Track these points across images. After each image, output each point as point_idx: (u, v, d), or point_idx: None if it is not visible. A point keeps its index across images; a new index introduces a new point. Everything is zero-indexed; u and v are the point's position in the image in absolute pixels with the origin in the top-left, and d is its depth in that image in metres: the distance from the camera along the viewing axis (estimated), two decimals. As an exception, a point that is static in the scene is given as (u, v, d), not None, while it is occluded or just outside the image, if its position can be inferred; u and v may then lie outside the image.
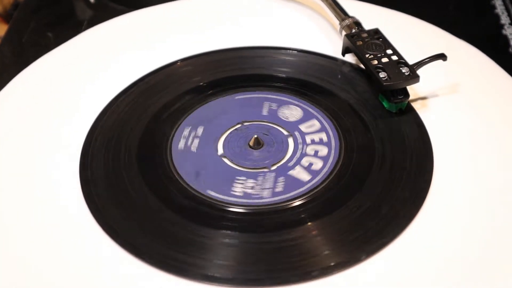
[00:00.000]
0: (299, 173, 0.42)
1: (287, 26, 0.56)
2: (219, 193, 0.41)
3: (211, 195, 0.40)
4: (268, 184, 0.41)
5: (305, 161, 0.43)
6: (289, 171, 0.42)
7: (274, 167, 0.43)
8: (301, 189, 0.41)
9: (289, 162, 0.43)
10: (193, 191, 0.41)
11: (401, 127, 0.45)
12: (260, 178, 0.42)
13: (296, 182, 0.41)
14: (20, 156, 0.44)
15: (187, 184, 0.41)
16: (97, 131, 0.45)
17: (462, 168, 0.42)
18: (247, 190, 0.41)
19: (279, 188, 0.41)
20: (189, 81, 0.49)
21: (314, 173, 0.42)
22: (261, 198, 0.40)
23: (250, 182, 0.41)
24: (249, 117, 0.46)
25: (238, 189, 0.41)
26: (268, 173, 0.42)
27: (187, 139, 0.44)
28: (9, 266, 0.37)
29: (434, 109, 0.47)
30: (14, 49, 0.57)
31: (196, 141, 0.44)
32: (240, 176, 0.42)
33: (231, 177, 0.42)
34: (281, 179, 0.42)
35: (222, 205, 0.40)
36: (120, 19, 0.57)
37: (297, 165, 0.43)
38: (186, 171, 0.42)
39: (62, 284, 0.36)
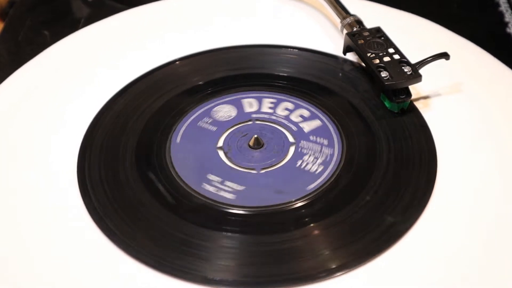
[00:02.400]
0: (309, 124, 0.44)
1: (288, 24, 0.56)
2: (313, 181, 0.41)
3: (313, 187, 0.40)
4: (316, 147, 0.43)
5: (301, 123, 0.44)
6: (304, 130, 0.44)
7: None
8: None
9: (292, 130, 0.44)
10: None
11: (404, 127, 0.45)
12: (305, 150, 0.43)
13: (320, 129, 0.44)
14: (16, 156, 0.43)
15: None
16: (95, 131, 0.45)
17: (466, 169, 0.42)
18: (318, 161, 0.42)
19: (325, 142, 0.43)
20: (187, 80, 0.49)
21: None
22: (332, 155, 0.42)
23: (307, 157, 0.42)
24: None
25: (313, 167, 0.42)
26: (299, 143, 0.44)
27: (221, 189, 0.41)
28: (7, 266, 0.37)
29: (437, 108, 0.46)
30: (10, 48, 0.57)
31: (229, 183, 0.42)
32: (297, 163, 0.42)
33: (294, 169, 0.42)
34: (312, 137, 0.44)
35: (222, 206, 0.40)
36: (117, 17, 0.57)
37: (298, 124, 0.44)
38: (265, 199, 0.40)
39: (60, 285, 0.36)
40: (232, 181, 0.41)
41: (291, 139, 0.44)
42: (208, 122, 0.45)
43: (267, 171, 0.42)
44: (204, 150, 0.44)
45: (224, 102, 0.47)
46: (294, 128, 0.45)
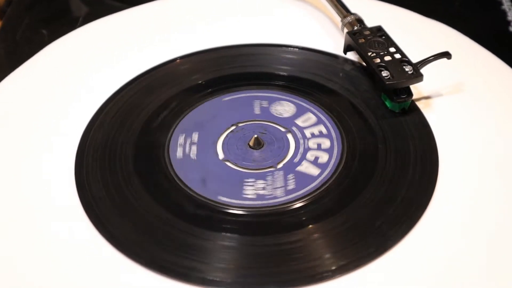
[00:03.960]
0: (307, 168, 0.42)
1: (288, 23, 0.56)
2: (231, 198, 0.40)
3: (224, 201, 0.40)
4: (279, 183, 0.41)
5: (310, 156, 0.43)
6: (296, 167, 0.42)
7: (280, 165, 0.42)
8: (313, 184, 0.40)
9: (294, 158, 0.43)
10: (201, 198, 0.40)
11: (405, 127, 0.45)
12: (269, 178, 0.41)
13: (306, 178, 0.41)
14: (13, 156, 0.43)
15: (190, 189, 0.41)
16: (93, 130, 0.45)
17: (468, 169, 0.42)
18: (259, 192, 0.40)
19: (291, 186, 0.41)
20: (186, 79, 0.49)
21: (323, 167, 0.42)
22: (275, 197, 0.40)
23: (260, 183, 0.41)
24: (242, 118, 0.46)
25: (249, 191, 0.40)
26: (275, 171, 0.42)
27: (184, 147, 0.43)
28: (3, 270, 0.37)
29: (438, 108, 0.46)
30: (8, 47, 0.56)
31: (194, 147, 0.43)
32: (248, 178, 0.41)
33: (239, 180, 0.41)
34: (290, 176, 0.41)
35: (223, 207, 0.39)
36: (116, 16, 0.56)
37: (303, 160, 0.42)
38: (189, 179, 0.41)
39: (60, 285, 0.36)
40: (197, 149, 0.42)
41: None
42: (262, 105, 0.46)
43: (225, 164, 0.42)
44: (223, 117, 0.44)
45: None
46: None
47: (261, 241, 0.38)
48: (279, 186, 0.41)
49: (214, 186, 0.41)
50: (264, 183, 0.41)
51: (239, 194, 0.40)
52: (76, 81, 0.49)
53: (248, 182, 0.41)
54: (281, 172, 0.42)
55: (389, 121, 0.45)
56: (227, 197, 0.40)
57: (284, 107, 0.46)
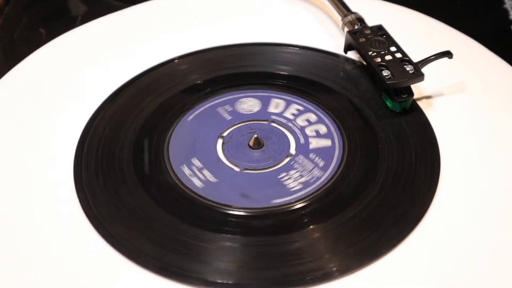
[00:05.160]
0: (318, 142, 0.43)
1: (288, 22, 0.56)
2: (283, 197, 0.40)
3: (279, 202, 0.40)
4: (309, 165, 0.42)
5: (309, 132, 0.44)
6: (309, 146, 0.43)
7: (294, 151, 0.43)
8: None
9: (299, 141, 0.43)
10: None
11: (406, 127, 0.45)
12: (296, 166, 0.42)
13: (324, 151, 0.43)
14: (11, 155, 0.43)
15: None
16: (91, 131, 0.45)
17: (470, 169, 0.42)
18: (300, 180, 0.41)
19: (321, 163, 0.42)
20: (185, 79, 0.49)
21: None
22: (318, 178, 0.41)
23: (294, 173, 0.41)
24: (220, 128, 0.45)
25: (292, 183, 0.41)
26: (295, 157, 0.42)
27: (196, 175, 0.41)
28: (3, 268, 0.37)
29: (439, 108, 0.46)
30: (5, 46, 0.56)
31: (206, 171, 0.42)
32: (279, 175, 0.42)
33: (275, 179, 0.41)
34: (312, 155, 0.42)
35: (222, 208, 0.39)
36: (115, 15, 0.56)
37: (308, 138, 0.43)
38: (232, 199, 0.40)
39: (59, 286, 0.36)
40: (210, 171, 0.41)
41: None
42: (228, 110, 0.46)
43: (248, 173, 0.42)
44: (205, 135, 0.44)
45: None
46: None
47: (262, 242, 0.38)
48: (311, 168, 0.41)
49: (259, 195, 0.40)
50: (297, 172, 0.41)
51: (286, 191, 0.40)
52: (75, 80, 0.49)
53: (283, 177, 0.41)
54: (301, 156, 0.42)
55: (390, 121, 0.45)
56: (279, 198, 0.40)
57: (249, 103, 0.46)
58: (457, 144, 0.43)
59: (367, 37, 0.48)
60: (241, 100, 0.47)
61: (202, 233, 0.38)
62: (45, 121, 0.46)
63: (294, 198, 0.40)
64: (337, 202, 0.40)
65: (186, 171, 0.41)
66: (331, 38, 0.53)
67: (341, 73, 0.50)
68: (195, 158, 0.42)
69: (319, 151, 0.43)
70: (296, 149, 0.43)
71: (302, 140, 0.44)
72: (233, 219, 0.39)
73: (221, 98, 0.47)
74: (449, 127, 0.44)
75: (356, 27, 0.50)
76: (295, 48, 0.52)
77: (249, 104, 0.46)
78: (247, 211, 0.39)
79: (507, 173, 0.41)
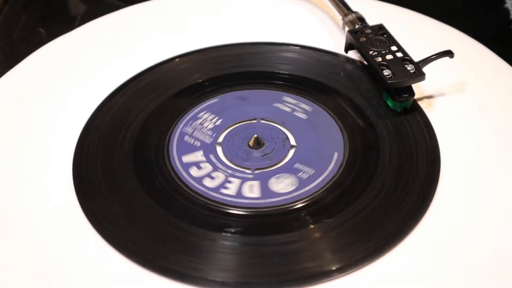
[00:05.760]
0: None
1: (288, 21, 0.55)
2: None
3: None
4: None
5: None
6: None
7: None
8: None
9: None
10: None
11: (407, 127, 0.44)
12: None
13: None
14: (10, 156, 0.43)
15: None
16: (91, 130, 0.45)
17: (471, 169, 0.42)
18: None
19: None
20: (187, 79, 0.49)
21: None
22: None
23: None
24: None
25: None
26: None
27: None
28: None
29: (440, 108, 0.46)
30: (4, 46, 0.56)
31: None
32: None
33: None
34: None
35: (222, 208, 0.39)
36: (114, 15, 0.56)
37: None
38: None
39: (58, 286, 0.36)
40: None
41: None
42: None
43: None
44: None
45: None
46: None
47: (262, 242, 0.38)
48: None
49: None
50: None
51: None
52: (74, 80, 0.49)
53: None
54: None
55: (391, 121, 0.45)
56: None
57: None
58: (458, 144, 0.43)
59: (367, 37, 0.48)
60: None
61: (203, 232, 0.38)
62: (44, 121, 0.46)
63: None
64: (337, 202, 0.39)
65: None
66: (331, 38, 0.53)
67: (342, 73, 0.49)
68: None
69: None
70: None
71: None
72: (233, 218, 0.39)
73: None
74: (449, 127, 0.44)
75: (357, 26, 0.50)
76: (295, 47, 0.52)
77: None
78: (247, 211, 0.39)
79: (507, 173, 0.41)
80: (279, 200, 0.40)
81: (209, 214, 0.39)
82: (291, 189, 0.40)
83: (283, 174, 0.41)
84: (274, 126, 0.45)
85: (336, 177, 0.41)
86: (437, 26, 0.54)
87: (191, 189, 0.40)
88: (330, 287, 0.35)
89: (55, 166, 0.42)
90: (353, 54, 0.50)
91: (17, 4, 0.61)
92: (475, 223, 0.38)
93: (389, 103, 0.46)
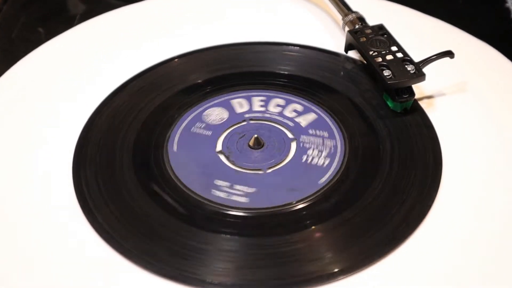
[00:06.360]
0: (305, 118, 0.44)
1: (288, 21, 0.55)
2: (324, 175, 0.41)
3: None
4: (317, 140, 0.43)
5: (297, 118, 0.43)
6: (301, 125, 0.43)
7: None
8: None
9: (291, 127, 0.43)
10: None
11: (408, 127, 0.44)
12: (307, 145, 0.43)
13: (317, 122, 0.44)
14: (10, 155, 0.43)
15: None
16: (91, 130, 0.44)
17: (472, 169, 0.42)
18: (324, 154, 0.42)
19: (325, 134, 0.43)
20: (186, 78, 0.49)
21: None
22: (336, 149, 0.42)
23: (311, 152, 0.42)
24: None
25: (320, 160, 0.42)
26: (299, 139, 0.43)
27: (232, 193, 0.41)
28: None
29: (441, 108, 0.46)
30: (3, 45, 0.56)
31: (239, 186, 0.41)
32: (302, 159, 0.42)
33: (301, 164, 0.42)
34: (311, 131, 0.44)
35: (222, 209, 0.39)
36: (113, 14, 0.56)
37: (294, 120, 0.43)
38: (280, 199, 0.40)
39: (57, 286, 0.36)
40: (241, 184, 0.41)
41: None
42: (201, 127, 0.45)
43: (274, 170, 0.42)
44: (204, 155, 0.43)
45: (219, 103, 0.47)
46: (290, 124, 0.45)
47: (262, 243, 0.37)
48: (320, 141, 0.42)
49: (303, 182, 0.41)
50: (313, 150, 0.42)
51: (321, 169, 0.41)
52: (73, 80, 0.49)
53: (306, 159, 0.42)
54: (303, 136, 0.43)
55: (391, 121, 0.45)
56: (323, 177, 0.40)
57: (216, 113, 0.45)
58: (459, 144, 0.43)
59: (368, 37, 0.48)
60: (205, 112, 0.46)
61: (201, 233, 0.38)
62: (43, 121, 0.45)
63: (333, 172, 0.41)
64: (338, 202, 0.39)
65: (220, 194, 0.40)
66: (331, 38, 0.53)
67: (342, 73, 0.49)
68: (217, 180, 0.41)
69: (313, 124, 0.42)
70: (293, 134, 0.43)
71: (291, 124, 0.44)
72: (232, 220, 0.39)
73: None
74: (450, 127, 0.44)
75: (357, 26, 0.49)
76: (296, 47, 0.51)
77: (215, 114, 0.46)
78: (247, 212, 0.39)
79: (509, 172, 0.41)
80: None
81: (206, 215, 0.39)
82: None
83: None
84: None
85: (337, 177, 0.41)
86: (438, 25, 0.54)
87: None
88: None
89: (54, 166, 0.42)
90: (353, 54, 0.50)
91: (16, 4, 0.61)
92: (477, 224, 0.38)
93: (389, 103, 0.45)
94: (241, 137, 0.44)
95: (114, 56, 0.51)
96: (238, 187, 0.40)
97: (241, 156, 0.43)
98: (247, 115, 0.45)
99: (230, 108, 0.46)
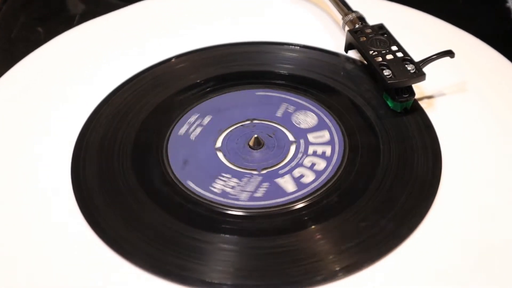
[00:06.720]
0: (286, 182, 0.41)
1: (288, 20, 0.55)
2: (198, 186, 0.40)
3: (190, 186, 0.40)
4: (250, 187, 0.40)
5: (297, 172, 0.42)
6: (276, 178, 0.41)
7: (264, 171, 0.42)
8: (280, 199, 0.40)
9: (280, 170, 0.42)
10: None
11: (408, 127, 0.44)
12: (244, 180, 0.41)
13: (278, 191, 0.40)
14: (9, 155, 0.43)
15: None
16: (90, 130, 0.45)
17: (472, 169, 0.42)
18: (226, 189, 0.40)
19: (258, 194, 0.40)
20: (186, 78, 0.49)
21: (301, 186, 0.41)
22: (237, 199, 0.40)
23: (233, 182, 0.41)
24: (261, 116, 0.46)
25: (218, 185, 0.40)
26: (255, 176, 0.41)
27: (190, 126, 0.43)
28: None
29: (441, 108, 0.46)
30: (3, 45, 0.56)
31: (199, 129, 0.44)
32: (225, 173, 0.41)
33: (217, 172, 0.41)
34: (265, 184, 0.41)
35: (222, 208, 0.39)
36: (113, 14, 0.56)
37: (287, 174, 0.42)
38: (176, 158, 0.42)
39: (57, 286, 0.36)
40: (240, 184, 0.41)
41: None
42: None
43: (268, 171, 0.42)
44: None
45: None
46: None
47: (262, 243, 0.37)
48: (248, 190, 0.40)
49: (191, 170, 0.41)
50: (236, 183, 0.41)
51: (207, 186, 0.40)
52: (73, 80, 0.49)
53: (223, 177, 0.41)
54: (259, 178, 0.41)
55: (391, 121, 0.44)
56: (195, 185, 0.40)
57: (306, 118, 0.45)
58: (459, 144, 0.43)
59: (368, 36, 0.48)
60: (304, 111, 0.46)
61: (200, 233, 0.38)
62: (43, 122, 0.45)
63: (204, 194, 0.40)
64: (337, 202, 0.39)
65: (192, 119, 0.43)
66: (331, 37, 0.53)
67: (342, 73, 0.49)
68: (210, 116, 0.43)
69: (275, 187, 0.41)
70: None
71: (282, 171, 0.42)
72: (232, 219, 0.39)
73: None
74: (450, 127, 0.44)
75: (357, 26, 0.49)
76: (296, 47, 0.51)
77: (306, 118, 0.45)
78: (246, 212, 0.39)
79: (509, 172, 0.41)
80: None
81: (207, 214, 0.39)
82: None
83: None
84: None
85: (336, 177, 0.41)
86: (438, 24, 0.54)
87: (189, 190, 0.40)
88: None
89: (54, 166, 0.42)
90: (353, 54, 0.50)
91: (15, 4, 0.61)
92: (477, 224, 0.38)
93: (389, 103, 0.45)
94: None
95: (113, 56, 0.51)
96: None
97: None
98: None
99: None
